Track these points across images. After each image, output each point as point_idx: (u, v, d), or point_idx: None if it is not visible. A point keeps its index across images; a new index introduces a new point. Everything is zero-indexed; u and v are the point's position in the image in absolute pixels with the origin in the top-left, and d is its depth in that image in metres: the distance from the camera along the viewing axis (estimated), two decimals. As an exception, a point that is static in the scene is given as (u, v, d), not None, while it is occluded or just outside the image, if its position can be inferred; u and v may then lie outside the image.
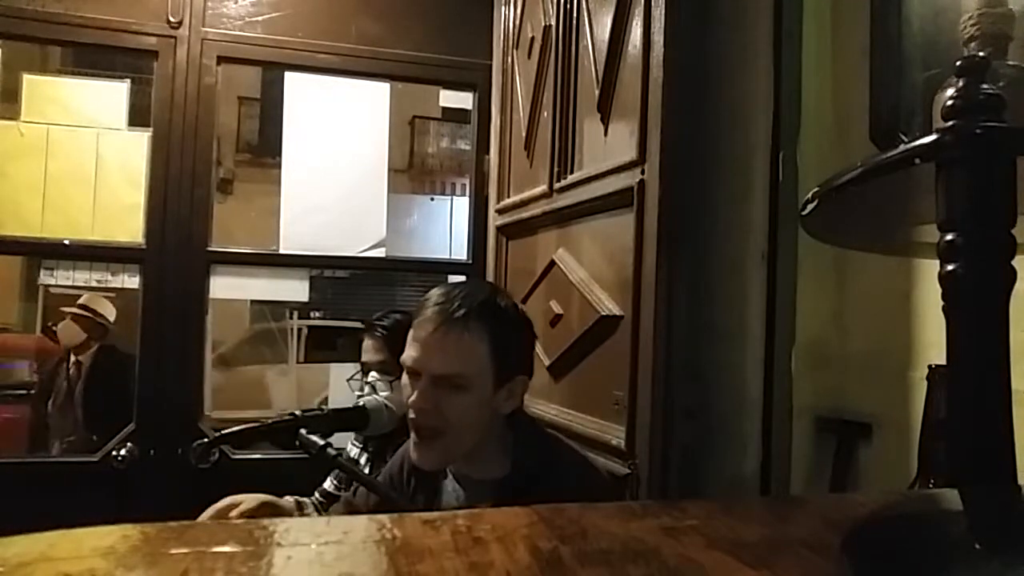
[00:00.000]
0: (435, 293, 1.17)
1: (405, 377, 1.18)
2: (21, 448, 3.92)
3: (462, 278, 2.69)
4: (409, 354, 1.15)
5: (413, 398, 1.14)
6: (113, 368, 2.71)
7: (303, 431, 1.27)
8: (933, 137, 0.69)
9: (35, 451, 3.68)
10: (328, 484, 1.85)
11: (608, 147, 1.72)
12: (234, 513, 1.39)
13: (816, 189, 0.81)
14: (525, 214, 2.13)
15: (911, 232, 0.90)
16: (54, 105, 2.39)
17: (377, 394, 1.61)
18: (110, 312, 3.66)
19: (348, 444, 1.86)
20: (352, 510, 1.37)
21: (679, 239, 1.50)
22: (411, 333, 1.17)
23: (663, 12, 1.50)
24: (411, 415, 1.15)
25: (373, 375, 1.69)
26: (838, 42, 1.51)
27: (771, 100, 1.52)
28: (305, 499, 1.79)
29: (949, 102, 0.67)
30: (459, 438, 1.15)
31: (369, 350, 1.75)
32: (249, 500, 1.43)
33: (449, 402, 1.12)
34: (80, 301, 3.64)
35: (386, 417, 1.48)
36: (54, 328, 3.78)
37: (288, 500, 1.63)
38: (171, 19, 2.36)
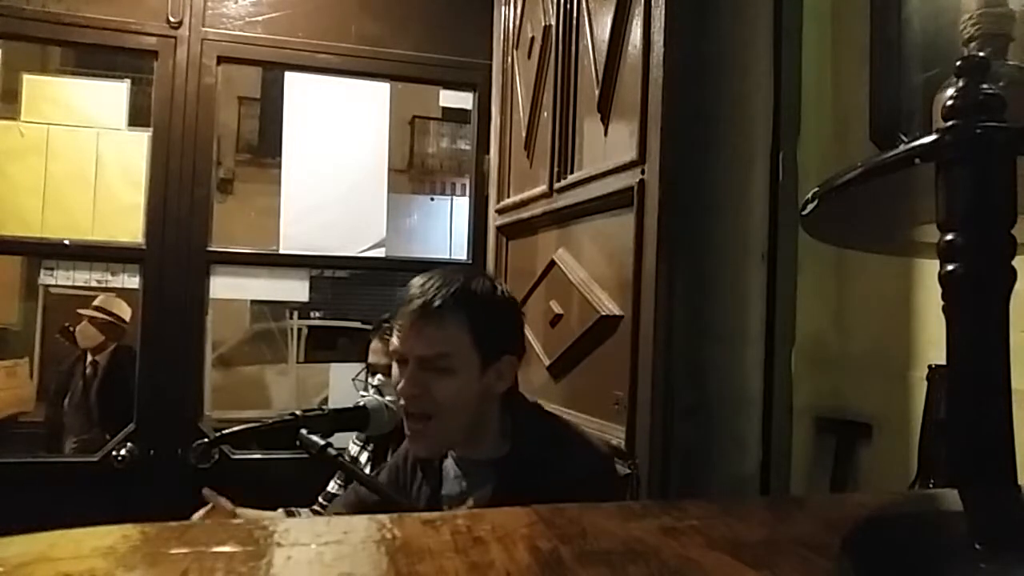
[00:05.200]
0: (415, 283, 1.18)
1: (395, 367, 1.19)
2: (34, 446, 3.94)
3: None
4: (394, 343, 1.18)
5: (402, 384, 1.15)
6: (129, 368, 2.73)
7: (303, 431, 1.27)
8: (933, 137, 0.68)
9: (50, 450, 3.69)
10: (332, 486, 1.84)
11: (608, 147, 1.72)
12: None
13: (816, 189, 0.81)
14: (525, 214, 2.13)
15: (911, 232, 0.90)
16: (54, 105, 2.39)
17: (382, 396, 1.60)
18: (126, 312, 3.68)
19: (349, 443, 1.86)
20: (359, 500, 1.37)
21: (679, 239, 1.50)
22: (395, 324, 1.19)
23: (663, 12, 1.50)
24: (401, 402, 1.16)
25: (379, 378, 1.68)
26: (838, 42, 1.51)
27: (771, 100, 1.52)
28: (303, 509, 1.79)
29: (949, 102, 0.67)
30: (450, 421, 1.15)
31: (376, 352, 1.75)
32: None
33: (436, 385, 1.14)
34: (96, 303, 3.65)
35: (386, 417, 1.48)
36: (71, 329, 3.79)
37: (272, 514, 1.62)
38: (171, 19, 2.36)
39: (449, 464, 1.26)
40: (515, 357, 1.22)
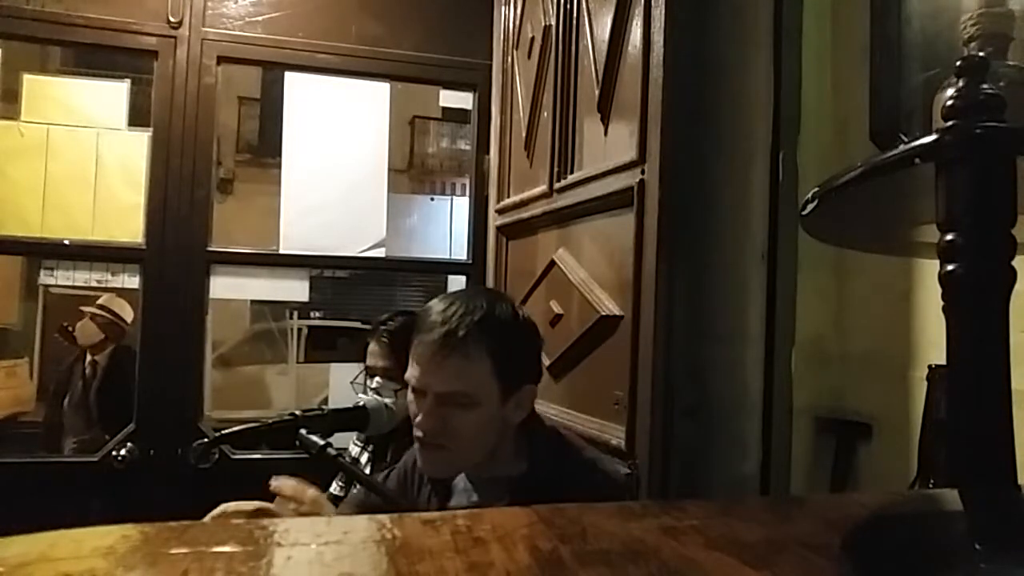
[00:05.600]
0: (435, 308, 1.14)
1: (410, 393, 1.17)
2: (34, 447, 3.93)
3: (462, 278, 2.69)
4: (412, 373, 1.14)
5: (419, 418, 1.13)
6: (129, 368, 2.73)
7: (303, 431, 1.27)
8: (933, 137, 0.69)
9: (50, 450, 3.69)
10: (334, 487, 1.84)
11: (608, 147, 1.72)
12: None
13: (816, 189, 0.81)
14: (525, 214, 2.13)
15: (911, 232, 0.90)
16: (54, 105, 2.39)
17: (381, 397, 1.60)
18: (128, 313, 3.68)
19: (349, 444, 1.86)
20: (364, 508, 1.36)
21: (679, 239, 1.50)
22: (413, 350, 1.15)
23: (663, 12, 1.50)
24: (417, 432, 1.14)
25: (378, 380, 1.67)
26: (838, 42, 1.51)
27: (771, 100, 1.52)
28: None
29: (949, 102, 0.67)
30: (466, 451, 1.14)
31: (374, 355, 1.74)
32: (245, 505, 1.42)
33: (456, 419, 1.11)
34: (100, 302, 3.66)
35: (386, 417, 1.48)
36: (70, 328, 3.80)
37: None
38: (171, 19, 2.36)
39: (461, 479, 1.24)
40: (534, 386, 1.20)
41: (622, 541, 0.46)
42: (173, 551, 0.41)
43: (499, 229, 2.32)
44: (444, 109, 7.80)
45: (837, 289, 1.48)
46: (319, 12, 2.50)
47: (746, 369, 1.51)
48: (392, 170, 2.76)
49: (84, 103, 2.41)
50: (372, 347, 1.75)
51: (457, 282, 3.00)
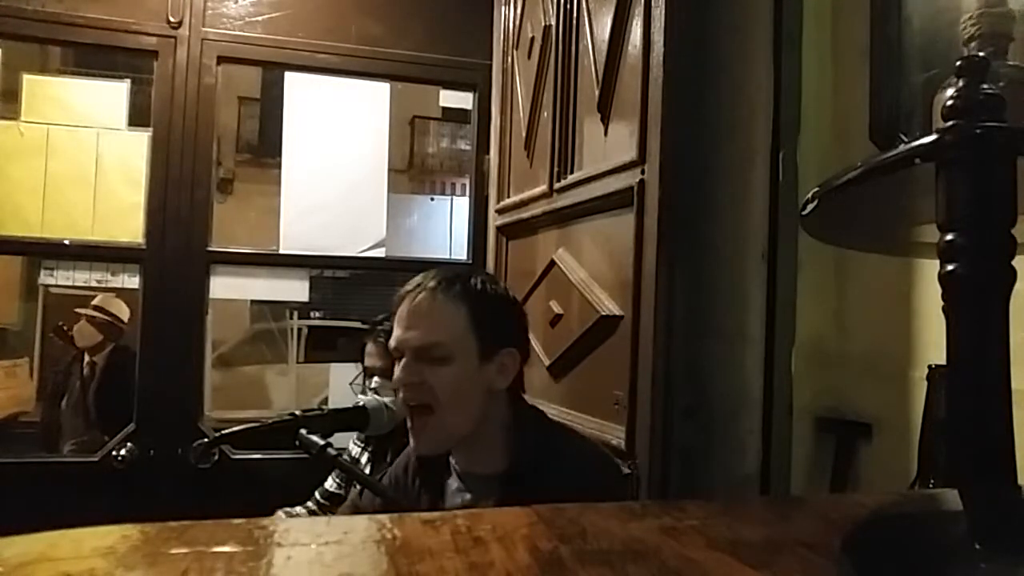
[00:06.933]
0: (414, 279, 1.18)
1: (396, 369, 1.18)
2: (34, 447, 3.92)
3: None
4: (393, 336, 1.17)
5: (398, 374, 1.14)
6: (127, 368, 2.72)
7: (303, 431, 1.27)
8: (933, 137, 0.68)
9: (48, 451, 3.68)
10: (330, 483, 1.85)
11: (608, 147, 1.72)
12: None
13: (816, 189, 0.81)
14: (525, 214, 2.13)
15: (911, 232, 0.90)
16: (54, 105, 2.39)
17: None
18: (124, 313, 3.66)
19: (349, 444, 1.86)
20: (358, 511, 1.36)
21: (679, 239, 1.50)
22: (393, 318, 1.18)
23: (663, 12, 1.50)
24: (401, 395, 1.15)
25: (376, 381, 1.67)
26: (838, 42, 1.51)
27: (771, 100, 1.52)
28: (299, 508, 1.80)
29: (949, 102, 0.67)
30: (451, 414, 1.13)
31: (372, 355, 1.74)
32: None
33: (434, 375, 1.12)
34: (95, 302, 3.64)
35: (386, 417, 1.48)
36: (67, 329, 3.78)
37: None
38: (171, 19, 2.36)
39: (453, 479, 1.23)
40: (517, 352, 1.20)
41: (622, 541, 0.46)
42: (173, 551, 0.41)
43: (499, 229, 2.32)
44: (444, 109, 7.80)
45: (837, 289, 1.48)
46: (319, 12, 2.50)
47: (746, 369, 1.51)
48: (392, 170, 2.76)
49: (84, 103, 2.41)
50: (369, 347, 1.76)
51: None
